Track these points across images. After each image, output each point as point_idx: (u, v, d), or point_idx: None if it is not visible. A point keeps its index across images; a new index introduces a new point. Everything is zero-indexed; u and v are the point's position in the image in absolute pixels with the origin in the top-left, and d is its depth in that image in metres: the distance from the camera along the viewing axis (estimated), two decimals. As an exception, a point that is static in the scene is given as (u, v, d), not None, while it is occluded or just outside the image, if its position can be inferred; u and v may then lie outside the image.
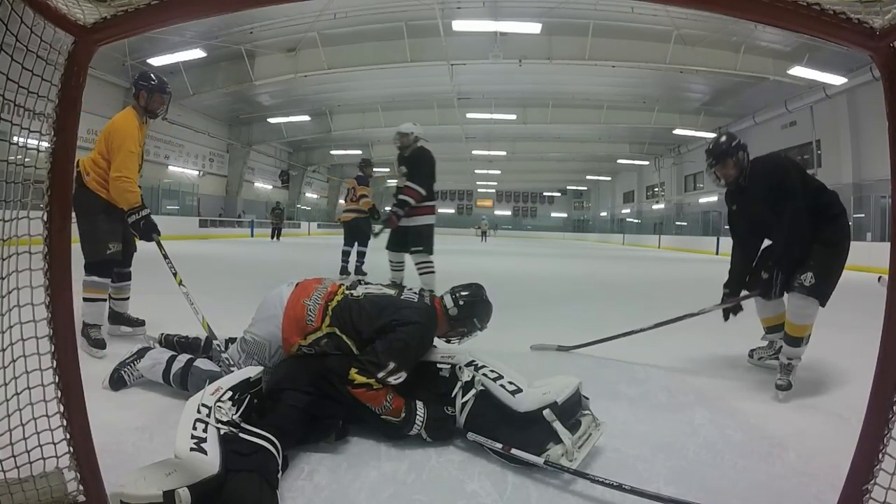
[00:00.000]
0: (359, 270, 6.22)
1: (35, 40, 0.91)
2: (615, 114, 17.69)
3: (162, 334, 2.17)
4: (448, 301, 1.77)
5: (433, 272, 4.08)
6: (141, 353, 1.97)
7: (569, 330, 3.52)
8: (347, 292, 1.75)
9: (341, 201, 6.59)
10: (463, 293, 1.79)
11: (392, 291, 1.77)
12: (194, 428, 1.18)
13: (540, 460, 1.35)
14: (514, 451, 1.39)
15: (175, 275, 2.30)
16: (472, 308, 1.78)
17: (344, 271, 6.07)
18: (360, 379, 1.50)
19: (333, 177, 30.75)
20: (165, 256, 2.39)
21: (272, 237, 17.76)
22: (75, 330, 1.01)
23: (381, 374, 1.50)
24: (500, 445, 1.42)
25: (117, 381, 1.89)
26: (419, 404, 1.56)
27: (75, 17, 0.92)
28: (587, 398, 1.62)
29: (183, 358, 1.86)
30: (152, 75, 2.61)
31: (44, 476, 1.03)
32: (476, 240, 26.35)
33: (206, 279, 5.34)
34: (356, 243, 6.16)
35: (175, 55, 12.84)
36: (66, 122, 0.97)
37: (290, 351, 1.68)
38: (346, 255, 6.13)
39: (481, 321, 1.81)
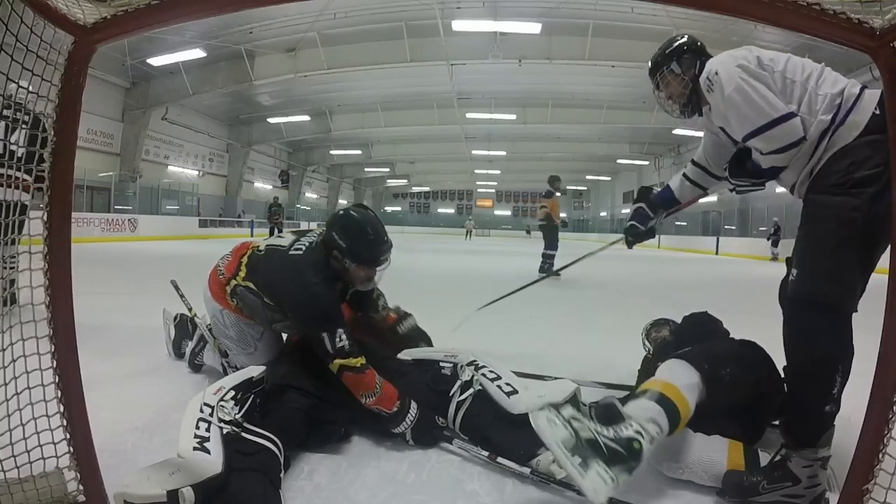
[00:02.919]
0: (547, 270, 7.01)
1: (35, 40, 0.91)
2: (615, 114, 17.68)
3: (178, 314, 2.27)
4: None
5: None
6: (203, 343, 2.10)
7: (565, 330, 3.52)
8: (255, 247, 1.82)
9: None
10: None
11: (286, 243, 1.72)
12: (197, 427, 1.18)
13: (526, 470, 1.34)
14: (499, 459, 1.39)
15: (190, 310, 2.28)
16: (331, 227, 1.66)
17: (549, 271, 6.97)
18: (339, 363, 1.49)
19: (333, 176, 30.71)
20: (182, 296, 2.36)
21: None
22: (75, 330, 1.01)
23: (331, 349, 1.49)
24: (486, 453, 1.41)
25: (195, 366, 2.12)
26: (414, 405, 1.54)
27: (75, 17, 0.92)
28: (585, 405, 1.58)
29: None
30: None
31: (44, 476, 1.03)
32: (477, 239, 26.48)
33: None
34: (548, 246, 7.30)
35: (175, 55, 12.86)
36: (66, 122, 0.97)
37: (230, 304, 1.81)
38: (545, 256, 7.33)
39: (340, 235, 1.63)
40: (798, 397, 1.29)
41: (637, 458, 1.11)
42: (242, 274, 1.75)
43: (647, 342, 2.09)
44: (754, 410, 1.45)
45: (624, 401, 1.26)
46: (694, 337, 1.72)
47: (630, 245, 1.91)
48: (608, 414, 1.19)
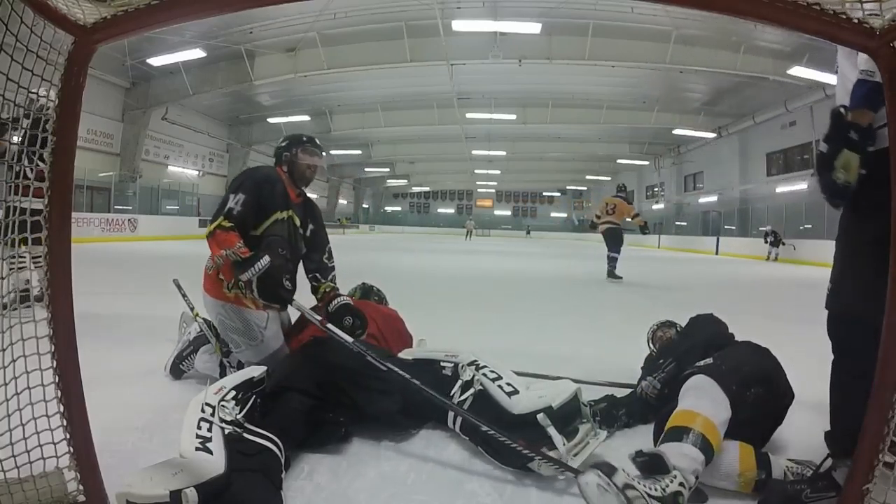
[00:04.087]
0: (611, 273, 7.03)
1: (35, 40, 0.91)
2: (615, 114, 17.68)
3: (199, 316, 2.27)
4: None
5: None
6: (196, 346, 2.07)
7: (566, 329, 3.52)
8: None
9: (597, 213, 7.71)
10: None
11: None
12: (199, 427, 1.18)
13: (536, 465, 1.34)
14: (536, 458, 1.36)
15: (192, 309, 2.29)
16: (277, 147, 2.06)
17: (611, 274, 7.05)
18: (218, 221, 1.74)
19: (333, 176, 30.63)
20: (184, 295, 2.39)
21: None
22: (75, 330, 1.01)
23: (222, 208, 1.76)
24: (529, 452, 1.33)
25: (177, 372, 2.06)
26: (266, 259, 1.73)
27: (75, 17, 0.92)
28: (586, 405, 1.58)
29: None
30: None
31: (44, 476, 1.03)
32: (478, 239, 26.48)
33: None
34: (616, 249, 7.18)
35: (175, 55, 12.86)
36: (66, 122, 0.97)
37: (230, 296, 1.86)
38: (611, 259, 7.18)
39: (284, 141, 2.05)
40: (843, 409, 1.28)
41: None
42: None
43: (651, 344, 2.09)
44: (765, 418, 1.47)
45: (666, 436, 1.26)
46: (701, 339, 1.72)
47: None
48: (655, 464, 1.19)
